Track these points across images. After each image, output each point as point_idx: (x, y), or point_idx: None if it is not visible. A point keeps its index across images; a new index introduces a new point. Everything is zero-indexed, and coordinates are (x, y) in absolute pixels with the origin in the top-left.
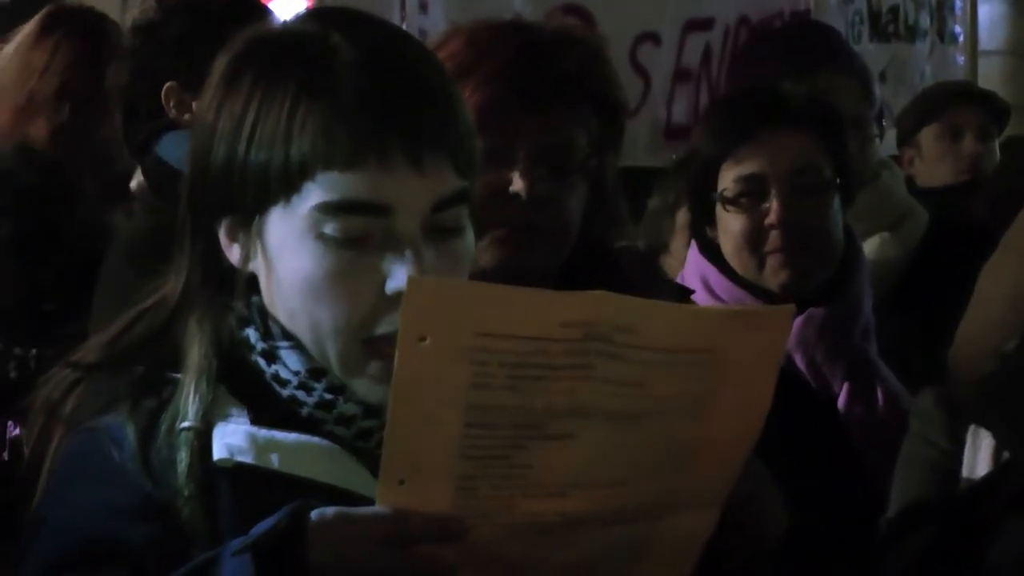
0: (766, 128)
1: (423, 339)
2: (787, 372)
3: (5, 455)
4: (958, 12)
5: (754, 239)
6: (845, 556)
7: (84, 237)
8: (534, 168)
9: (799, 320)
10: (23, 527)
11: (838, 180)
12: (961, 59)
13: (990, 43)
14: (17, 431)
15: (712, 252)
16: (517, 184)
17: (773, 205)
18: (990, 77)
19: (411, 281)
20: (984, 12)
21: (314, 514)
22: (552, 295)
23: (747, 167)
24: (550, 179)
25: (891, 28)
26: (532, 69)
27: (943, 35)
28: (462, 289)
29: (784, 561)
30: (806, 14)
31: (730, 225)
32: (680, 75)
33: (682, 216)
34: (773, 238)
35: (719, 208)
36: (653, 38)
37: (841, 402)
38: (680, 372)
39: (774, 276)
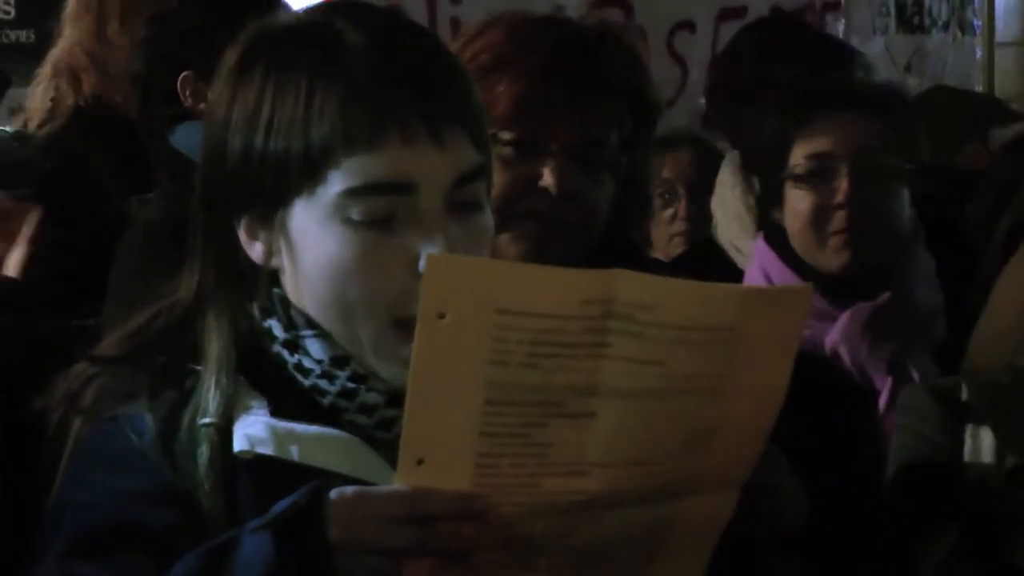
0: (837, 109)
1: (442, 316)
2: (831, 363)
3: None
4: (976, 3)
5: (819, 218)
6: (861, 549)
7: (99, 225)
8: (566, 164)
9: (845, 315)
10: (43, 514)
11: (907, 167)
12: (979, 50)
13: (1006, 34)
14: None
15: (776, 235)
16: (547, 179)
17: (841, 185)
18: (1006, 68)
19: (430, 258)
20: (1000, 3)
21: (333, 492)
22: (572, 273)
23: (817, 145)
24: (580, 175)
25: (916, 20)
26: (571, 65)
27: (963, 26)
28: (482, 266)
29: (802, 551)
30: (836, 5)
31: (797, 203)
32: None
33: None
34: (838, 218)
35: (788, 187)
36: (689, 26)
37: (883, 399)
38: (700, 350)
39: (835, 256)
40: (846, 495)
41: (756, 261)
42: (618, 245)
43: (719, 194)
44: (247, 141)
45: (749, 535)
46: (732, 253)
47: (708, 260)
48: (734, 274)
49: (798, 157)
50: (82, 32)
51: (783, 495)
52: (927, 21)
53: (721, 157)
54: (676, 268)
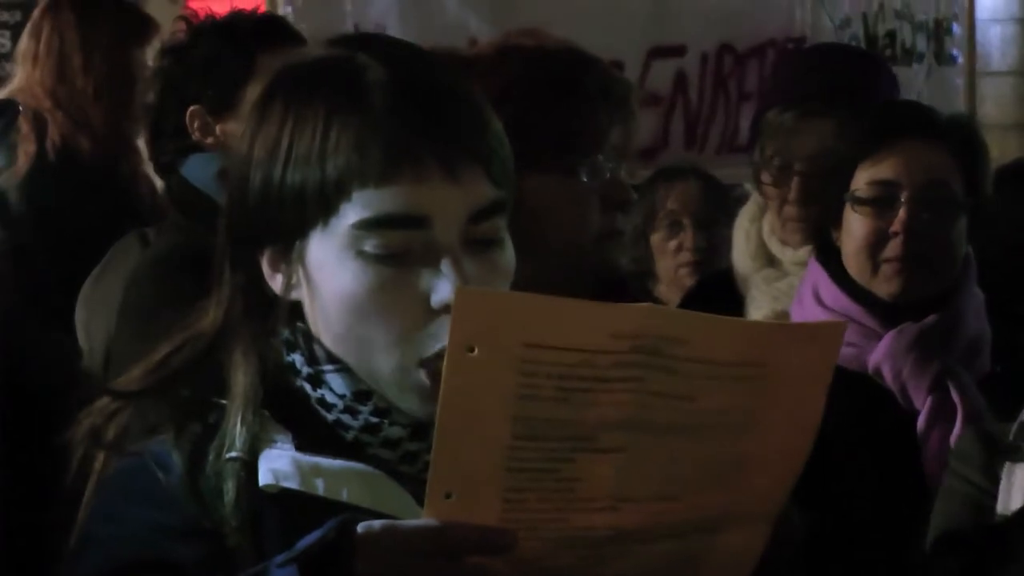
0: (906, 137)
1: (471, 350)
2: (872, 381)
3: None
4: (956, 34)
5: (875, 244)
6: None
7: None
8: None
9: (891, 333)
10: (65, 548)
11: (969, 200)
12: (959, 81)
13: (1003, 63)
14: None
15: (829, 256)
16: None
17: (900, 214)
18: (1002, 98)
19: (459, 291)
20: (995, 32)
21: (361, 526)
22: (602, 307)
23: (882, 171)
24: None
25: (888, 52)
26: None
27: (940, 57)
28: (511, 300)
29: (803, 567)
30: (801, 40)
31: (854, 227)
32: (646, 100)
33: (656, 239)
34: (893, 246)
35: (847, 209)
36: (617, 65)
37: (922, 419)
38: (731, 385)
39: (886, 283)
40: (878, 507)
41: (808, 278)
42: (612, 284)
43: (736, 222)
44: (267, 174)
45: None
46: (740, 283)
47: (721, 291)
48: (734, 302)
49: (860, 181)
50: (44, 73)
51: (786, 514)
52: (900, 54)
53: (726, 188)
54: (689, 299)
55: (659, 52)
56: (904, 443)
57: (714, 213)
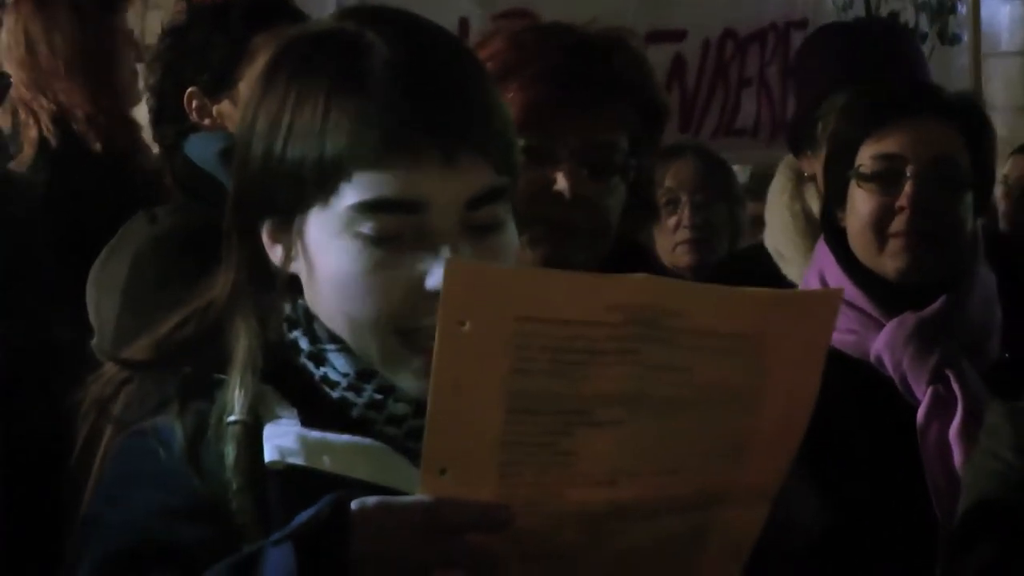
0: (912, 114)
1: (463, 324)
2: (875, 371)
3: None
4: (961, 13)
5: (881, 220)
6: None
7: None
8: (578, 167)
9: (891, 324)
10: (75, 526)
11: (976, 178)
12: (964, 60)
13: (1011, 44)
14: None
15: (837, 237)
16: (561, 183)
17: (906, 188)
18: (1011, 79)
19: (449, 265)
20: (1005, 13)
21: (355, 504)
22: (596, 278)
23: (887, 146)
24: (592, 179)
25: None
26: (580, 70)
27: (944, 37)
28: (502, 273)
29: (821, 560)
30: (803, 23)
31: (860, 204)
32: None
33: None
34: (900, 221)
35: (852, 186)
36: None
37: (921, 411)
38: (729, 358)
39: (893, 260)
40: (876, 500)
41: (815, 263)
42: (630, 252)
43: (770, 199)
44: (267, 148)
45: (764, 545)
46: (777, 259)
47: (753, 266)
48: (777, 281)
49: (864, 157)
50: (16, 65)
51: (798, 504)
52: None
53: (724, 166)
54: (720, 273)
55: (656, 37)
56: (907, 432)
57: (712, 191)
